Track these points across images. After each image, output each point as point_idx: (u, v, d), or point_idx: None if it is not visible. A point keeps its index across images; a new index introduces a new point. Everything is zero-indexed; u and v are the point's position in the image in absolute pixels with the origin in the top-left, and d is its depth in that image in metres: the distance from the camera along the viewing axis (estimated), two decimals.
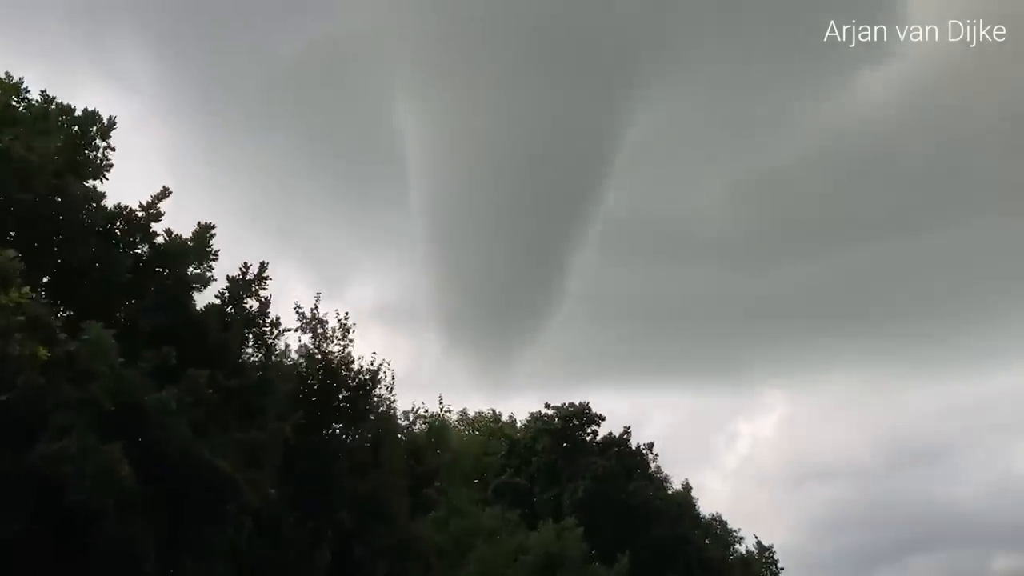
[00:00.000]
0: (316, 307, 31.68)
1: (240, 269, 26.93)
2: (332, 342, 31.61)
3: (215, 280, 26.05)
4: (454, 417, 55.61)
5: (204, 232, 25.64)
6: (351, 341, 31.80)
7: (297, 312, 31.54)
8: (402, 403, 41.62)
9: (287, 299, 27.79)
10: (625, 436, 59.10)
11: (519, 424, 61.61)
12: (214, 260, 25.66)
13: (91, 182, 24.47)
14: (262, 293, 27.05)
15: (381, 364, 32.32)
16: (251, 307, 27.13)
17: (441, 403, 52.02)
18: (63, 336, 20.05)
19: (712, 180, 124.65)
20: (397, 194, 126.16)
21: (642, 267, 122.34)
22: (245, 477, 23.18)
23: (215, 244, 25.80)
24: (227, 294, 26.59)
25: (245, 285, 26.89)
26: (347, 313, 32.04)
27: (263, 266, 27.08)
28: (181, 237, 25.37)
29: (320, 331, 31.58)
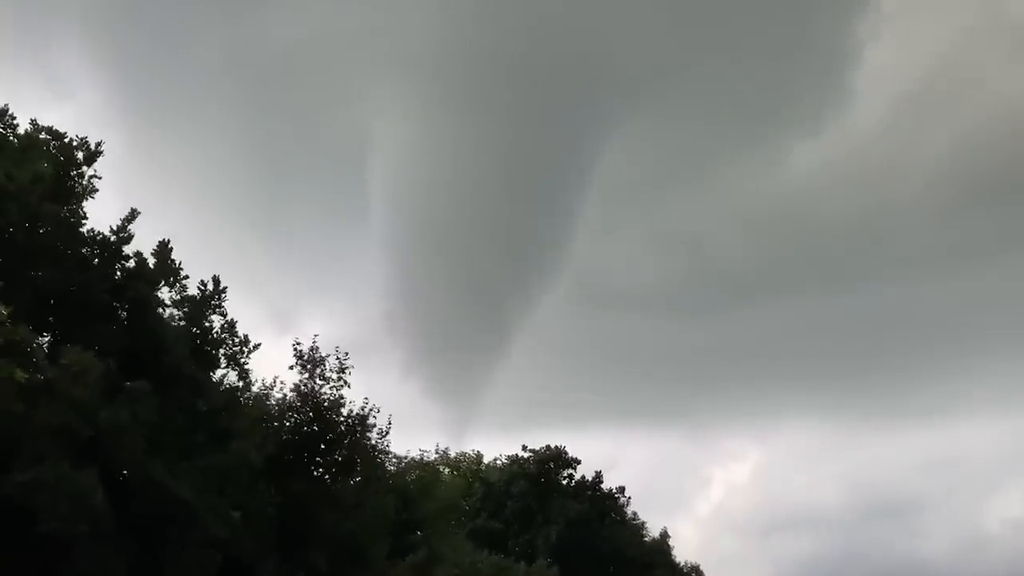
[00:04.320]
0: (315, 346, 30.65)
1: (199, 287, 26.67)
2: (328, 383, 30.53)
3: (186, 300, 26.05)
4: (433, 456, 55.01)
5: (163, 250, 25.63)
6: (345, 383, 30.69)
7: (295, 350, 30.55)
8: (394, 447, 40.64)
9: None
10: (597, 480, 58.71)
11: (498, 465, 60.82)
12: (179, 279, 25.64)
13: (75, 206, 24.22)
14: (223, 308, 26.74)
15: (371, 409, 31.37)
16: (214, 325, 26.77)
17: (438, 451, 51.66)
18: (44, 362, 19.63)
19: (640, 232, 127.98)
20: (355, 223, 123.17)
21: (589, 314, 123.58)
22: (205, 504, 22.53)
23: (176, 259, 25.89)
24: (188, 312, 26.27)
25: (204, 301, 26.60)
26: (346, 352, 30.86)
27: (216, 281, 26.77)
28: (147, 259, 25.27)
29: (317, 371, 30.51)
